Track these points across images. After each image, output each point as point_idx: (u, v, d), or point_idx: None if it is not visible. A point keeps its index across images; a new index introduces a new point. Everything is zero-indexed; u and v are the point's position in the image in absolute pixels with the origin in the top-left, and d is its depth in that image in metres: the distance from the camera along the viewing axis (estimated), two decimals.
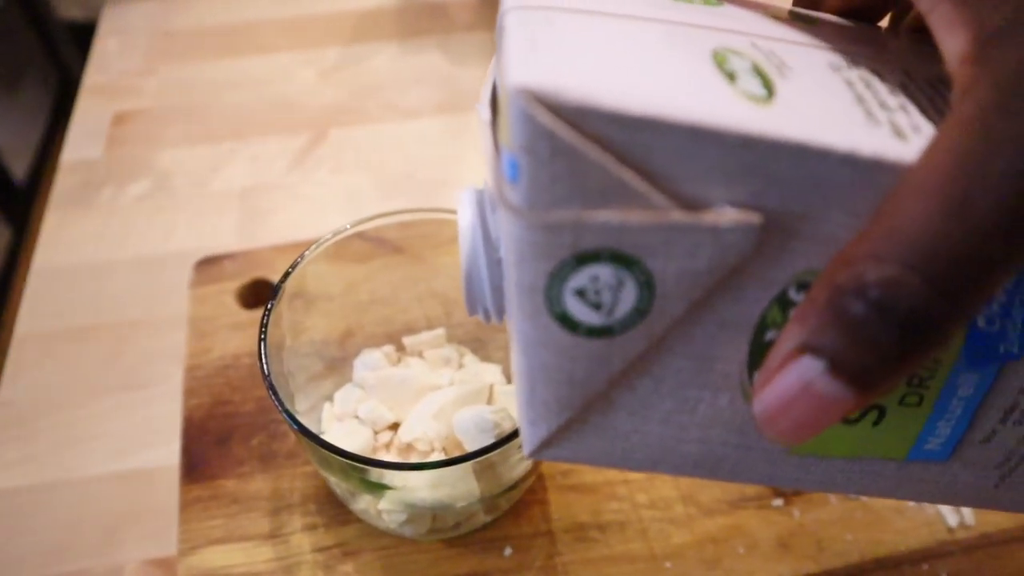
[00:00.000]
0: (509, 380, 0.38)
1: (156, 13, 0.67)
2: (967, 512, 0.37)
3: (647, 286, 0.17)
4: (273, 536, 0.37)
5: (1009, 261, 0.14)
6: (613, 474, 0.38)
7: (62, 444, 0.41)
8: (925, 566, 0.36)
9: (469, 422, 0.32)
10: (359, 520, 0.37)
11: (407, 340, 0.39)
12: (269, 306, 0.32)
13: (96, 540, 0.38)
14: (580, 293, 0.17)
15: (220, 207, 0.53)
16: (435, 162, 0.55)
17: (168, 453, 0.40)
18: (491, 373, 0.37)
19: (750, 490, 0.38)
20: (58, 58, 0.96)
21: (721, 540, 0.37)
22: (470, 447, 0.33)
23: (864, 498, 0.38)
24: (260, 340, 0.31)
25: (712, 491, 0.38)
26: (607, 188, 0.16)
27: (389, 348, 0.38)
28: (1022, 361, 0.19)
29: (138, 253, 0.50)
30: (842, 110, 0.16)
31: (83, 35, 0.67)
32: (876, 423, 0.20)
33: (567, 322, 0.17)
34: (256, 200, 0.53)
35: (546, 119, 0.15)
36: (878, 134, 0.16)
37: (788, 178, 0.16)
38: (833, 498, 0.38)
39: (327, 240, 0.36)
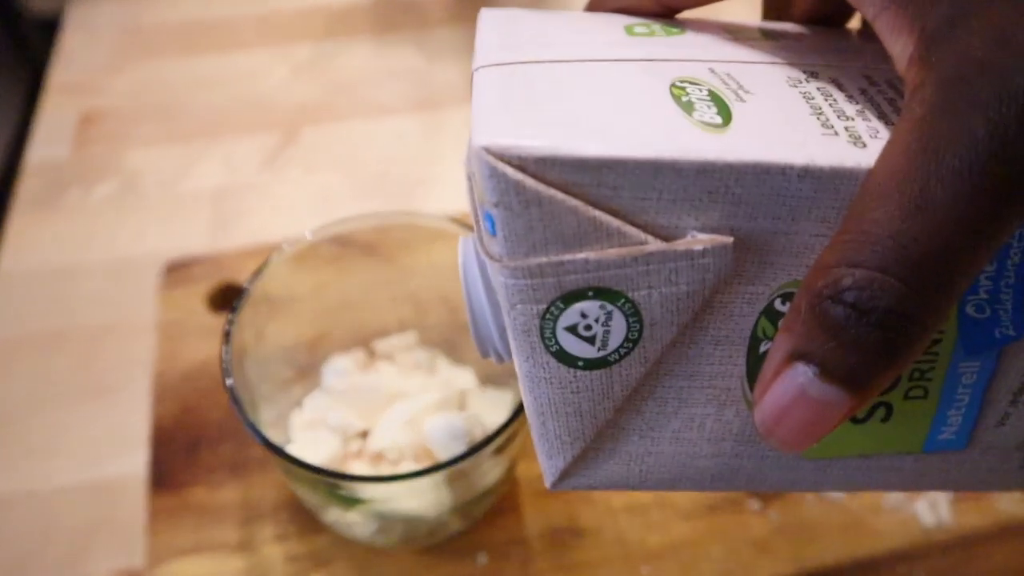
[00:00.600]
0: (482, 383, 0.38)
1: (123, 9, 0.66)
2: (944, 512, 0.37)
3: (635, 316, 0.18)
4: (243, 546, 0.36)
5: (975, 251, 0.15)
6: None
7: (28, 453, 0.40)
8: (902, 567, 0.36)
9: (440, 430, 0.32)
10: (331, 529, 0.36)
11: (378, 344, 0.38)
12: (232, 312, 0.32)
13: (63, 552, 0.37)
14: (572, 330, 0.18)
15: (190, 208, 0.52)
16: (411, 160, 0.55)
17: (137, 462, 0.40)
18: (463, 378, 0.37)
19: (727, 493, 0.38)
20: (28, 55, 0.94)
21: (698, 543, 0.36)
22: (441, 455, 0.32)
23: (842, 499, 0.37)
24: (223, 347, 0.31)
25: (688, 494, 0.38)
26: (581, 230, 0.17)
27: (359, 353, 0.38)
28: (1021, 343, 0.19)
29: (106, 256, 0.49)
30: (798, 125, 0.17)
31: (54, 31, 0.66)
32: (885, 419, 0.20)
33: (565, 358, 0.18)
34: (227, 201, 0.52)
35: (512, 173, 0.16)
36: (835, 144, 0.17)
37: (752, 198, 0.17)
38: (810, 499, 0.37)
39: (294, 245, 0.35)
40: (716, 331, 0.19)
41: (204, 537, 0.37)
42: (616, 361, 0.18)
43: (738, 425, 0.20)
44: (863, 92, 0.18)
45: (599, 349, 0.18)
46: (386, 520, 0.32)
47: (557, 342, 0.18)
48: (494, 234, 0.17)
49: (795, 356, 0.16)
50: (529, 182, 0.16)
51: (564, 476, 0.21)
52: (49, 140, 0.56)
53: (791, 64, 0.20)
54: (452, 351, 0.39)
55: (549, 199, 0.16)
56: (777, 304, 0.18)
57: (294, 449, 0.33)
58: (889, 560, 0.36)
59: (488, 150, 0.16)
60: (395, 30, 0.64)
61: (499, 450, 0.31)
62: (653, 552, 0.36)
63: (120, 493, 0.39)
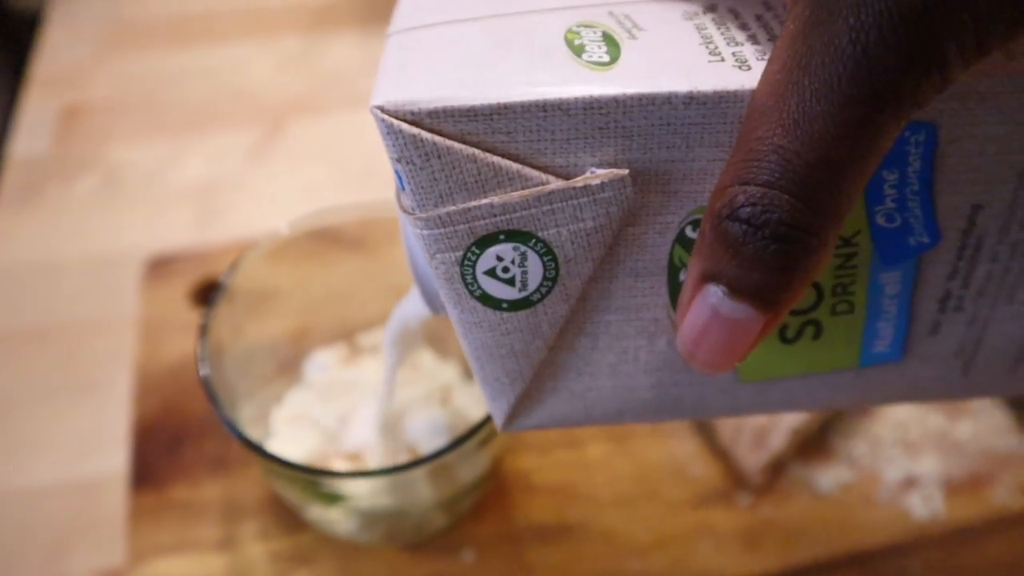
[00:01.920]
0: (467, 376, 0.37)
1: (106, 2, 0.65)
2: (938, 505, 0.36)
3: (548, 255, 0.18)
4: (225, 544, 0.36)
5: (856, 158, 0.15)
6: (575, 473, 0.37)
7: (7, 451, 0.40)
8: (896, 560, 0.35)
9: (422, 426, 0.31)
10: (314, 527, 0.36)
11: (361, 338, 0.38)
12: (209, 307, 0.31)
13: (42, 551, 0.36)
14: (491, 273, 0.19)
15: (174, 203, 0.51)
16: None
17: (118, 459, 0.39)
18: (448, 372, 0.36)
19: (716, 487, 0.37)
20: (10, 48, 0.93)
21: (687, 538, 0.36)
22: (424, 451, 0.32)
23: (834, 492, 0.37)
24: (198, 343, 0.30)
25: (677, 489, 0.37)
26: (483, 176, 0.17)
27: (342, 348, 0.37)
28: (937, 250, 0.20)
29: (88, 252, 0.48)
30: (686, 55, 0.18)
31: (37, 25, 0.65)
32: (816, 337, 0.21)
33: (489, 301, 0.19)
34: (212, 195, 0.51)
35: (408, 129, 0.17)
36: (719, 69, 0.17)
37: (643, 129, 0.17)
38: (801, 494, 0.37)
39: (272, 239, 0.35)
40: (633, 263, 0.19)
41: (185, 535, 0.36)
42: (539, 300, 0.19)
43: (672, 354, 0.21)
44: (758, 18, 0.19)
45: (520, 290, 0.19)
46: (368, 517, 0.32)
47: (479, 287, 0.19)
48: (403, 188, 0.18)
49: (705, 278, 0.16)
50: (425, 135, 0.17)
51: (512, 417, 0.22)
52: (31, 134, 0.55)
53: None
54: (437, 345, 0.39)
55: (447, 150, 0.17)
56: (688, 231, 0.19)
57: (275, 445, 0.33)
58: (882, 554, 0.35)
59: (383, 109, 0.17)
60: (381, 22, 0.63)
61: (482, 444, 0.30)
62: (641, 547, 0.35)
63: (101, 491, 0.38)
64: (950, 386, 0.23)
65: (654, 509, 0.37)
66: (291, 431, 0.34)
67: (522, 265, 0.18)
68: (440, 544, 0.35)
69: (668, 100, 0.17)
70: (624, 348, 0.21)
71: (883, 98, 0.15)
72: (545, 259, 0.18)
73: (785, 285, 0.16)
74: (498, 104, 0.17)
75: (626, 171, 0.17)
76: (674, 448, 0.38)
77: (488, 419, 0.29)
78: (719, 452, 0.38)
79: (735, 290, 0.16)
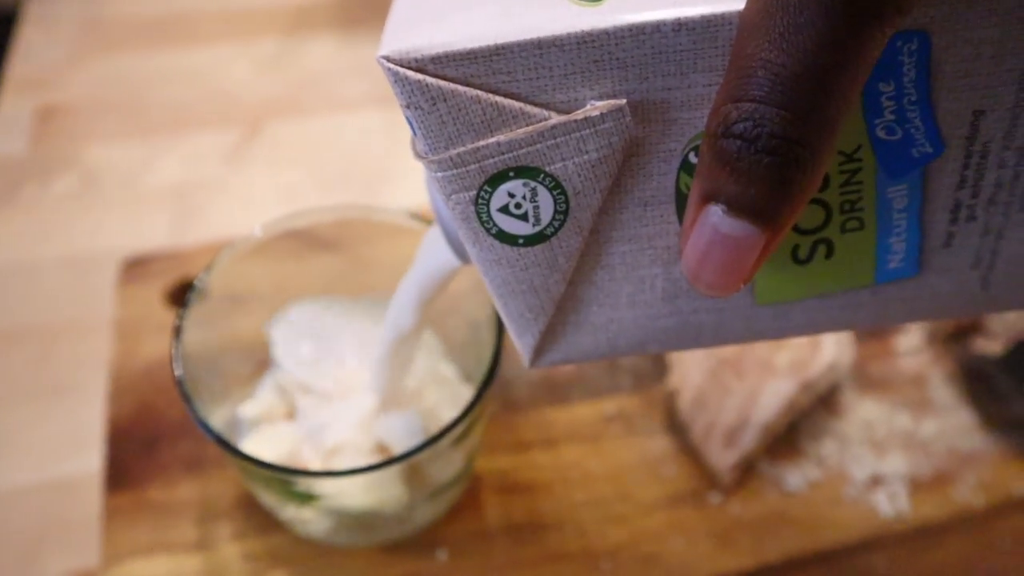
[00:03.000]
0: (443, 370, 0.37)
1: (83, 2, 0.65)
2: (903, 503, 0.37)
3: (558, 188, 0.19)
4: (201, 545, 0.36)
5: (844, 68, 0.15)
6: (549, 473, 0.38)
7: None
8: (862, 557, 0.36)
9: (397, 426, 0.32)
10: (290, 527, 0.36)
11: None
12: (184, 308, 0.31)
13: (14, 554, 0.36)
14: (504, 210, 0.19)
15: (151, 205, 0.51)
16: (375, 156, 0.54)
17: (91, 461, 0.39)
18: (425, 364, 0.36)
19: (688, 486, 0.38)
20: None
21: (659, 537, 0.36)
22: (398, 451, 0.32)
23: (803, 490, 0.37)
24: (172, 343, 0.30)
25: (650, 489, 0.38)
26: (488, 116, 0.18)
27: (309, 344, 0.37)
28: (942, 160, 0.20)
29: (64, 253, 0.48)
30: None
31: (12, 24, 0.64)
32: (828, 256, 0.21)
33: (505, 238, 0.20)
34: (189, 197, 0.51)
35: (413, 76, 0.18)
36: None
37: (636, 60, 0.18)
38: (771, 492, 0.38)
39: (250, 238, 0.35)
40: (641, 193, 0.20)
41: (160, 536, 0.36)
42: (553, 234, 0.20)
43: (688, 282, 0.21)
44: None
45: (534, 225, 0.20)
46: (343, 517, 0.32)
47: (495, 224, 0.20)
48: (415, 134, 0.19)
49: (705, 198, 0.17)
50: (430, 81, 0.18)
51: (538, 353, 0.22)
52: (6, 135, 0.54)
53: None
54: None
55: (452, 93, 0.18)
56: (691, 157, 0.19)
57: (249, 444, 0.33)
58: (849, 551, 0.36)
59: (388, 59, 0.18)
60: (360, 25, 0.64)
61: (456, 443, 0.30)
62: (614, 546, 0.36)
63: (74, 493, 0.38)
64: (970, 300, 0.23)
65: (627, 508, 0.37)
66: (266, 429, 0.34)
67: (533, 200, 0.19)
68: (415, 544, 0.36)
69: (657, 29, 0.17)
70: (641, 277, 0.21)
71: (862, 4, 0.15)
72: (555, 193, 0.19)
73: (782, 199, 0.16)
74: (495, 46, 0.18)
75: (623, 101, 0.18)
76: (647, 448, 0.39)
77: (461, 418, 0.29)
78: (691, 451, 0.38)
79: (734, 207, 0.16)
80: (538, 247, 0.20)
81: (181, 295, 0.44)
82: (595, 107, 0.18)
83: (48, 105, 0.56)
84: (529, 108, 0.18)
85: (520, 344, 0.22)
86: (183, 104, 0.57)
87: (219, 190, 0.52)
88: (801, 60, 0.15)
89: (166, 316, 0.43)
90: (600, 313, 0.22)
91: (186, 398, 0.29)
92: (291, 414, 0.35)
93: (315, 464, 0.33)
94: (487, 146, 0.18)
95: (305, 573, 0.35)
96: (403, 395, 0.34)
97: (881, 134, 0.19)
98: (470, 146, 0.18)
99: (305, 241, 0.37)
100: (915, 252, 0.21)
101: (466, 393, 0.35)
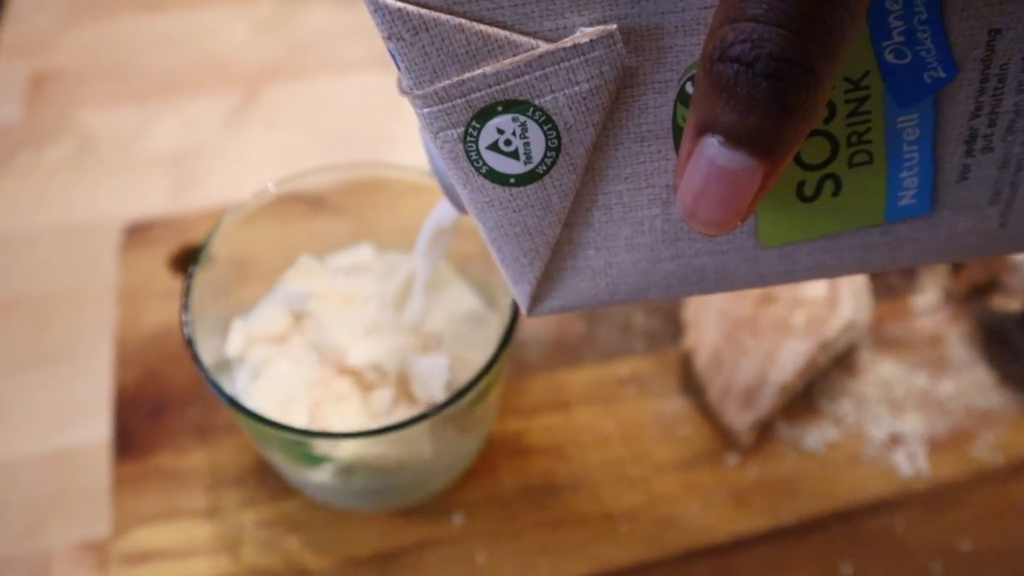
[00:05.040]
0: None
1: None
2: (922, 462, 0.37)
3: (548, 123, 0.18)
4: (212, 512, 0.35)
5: None
6: (563, 436, 0.37)
7: None
8: (881, 516, 0.36)
9: (424, 370, 0.31)
10: (302, 493, 0.35)
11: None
12: (190, 272, 0.30)
13: (21, 525, 0.36)
14: (494, 148, 0.19)
15: (149, 170, 0.50)
16: (376, 119, 0.53)
17: (97, 430, 0.38)
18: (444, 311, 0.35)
19: (704, 448, 0.37)
20: None
21: (675, 499, 0.36)
22: (420, 392, 0.31)
23: (821, 451, 0.37)
24: (183, 306, 0.29)
25: (665, 450, 0.37)
26: (472, 47, 0.17)
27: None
28: (956, 85, 0.19)
29: (61, 220, 0.47)
30: None
31: None
32: (835, 193, 0.20)
33: (496, 177, 0.19)
34: (187, 162, 0.50)
35: (392, 4, 0.17)
36: None
37: None
38: (788, 453, 0.37)
39: (254, 200, 0.34)
40: (637, 127, 0.19)
41: (171, 504, 0.36)
42: (545, 172, 0.19)
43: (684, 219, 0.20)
44: None
45: (525, 163, 0.19)
46: (360, 476, 0.31)
47: (484, 162, 0.19)
48: (399, 68, 0.18)
49: (701, 129, 0.16)
50: (411, 9, 0.17)
51: (536, 300, 0.21)
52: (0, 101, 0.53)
53: None
54: None
55: (434, 22, 0.17)
56: (688, 88, 0.18)
57: (263, 386, 0.32)
58: (867, 510, 0.36)
59: None
60: None
61: (479, 397, 0.30)
62: (630, 508, 0.36)
63: (81, 461, 0.38)
64: (989, 239, 0.21)
65: (642, 470, 0.37)
66: (279, 367, 0.32)
67: (523, 136, 0.18)
68: (430, 508, 0.35)
69: None
70: (639, 218, 0.20)
71: None
72: (545, 128, 0.18)
73: (782, 127, 0.15)
74: None
75: (614, 27, 0.17)
76: (662, 410, 0.38)
77: (493, 362, 0.28)
78: (707, 412, 0.38)
79: (730, 137, 0.15)
80: (531, 187, 0.19)
81: (184, 261, 0.43)
82: (584, 34, 0.17)
83: (41, 70, 0.55)
84: (516, 37, 0.17)
85: (517, 291, 0.21)
86: (179, 68, 0.56)
87: (218, 155, 0.51)
88: None
89: (169, 283, 0.42)
90: (598, 257, 0.21)
91: (197, 361, 0.28)
92: (285, 339, 0.34)
93: (342, 387, 0.32)
94: (473, 79, 0.18)
95: (320, 538, 0.34)
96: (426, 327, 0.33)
97: (890, 58, 0.18)
98: (455, 79, 0.18)
99: (309, 203, 0.36)
100: (928, 187, 0.20)
101: (489, 338, 0.34)
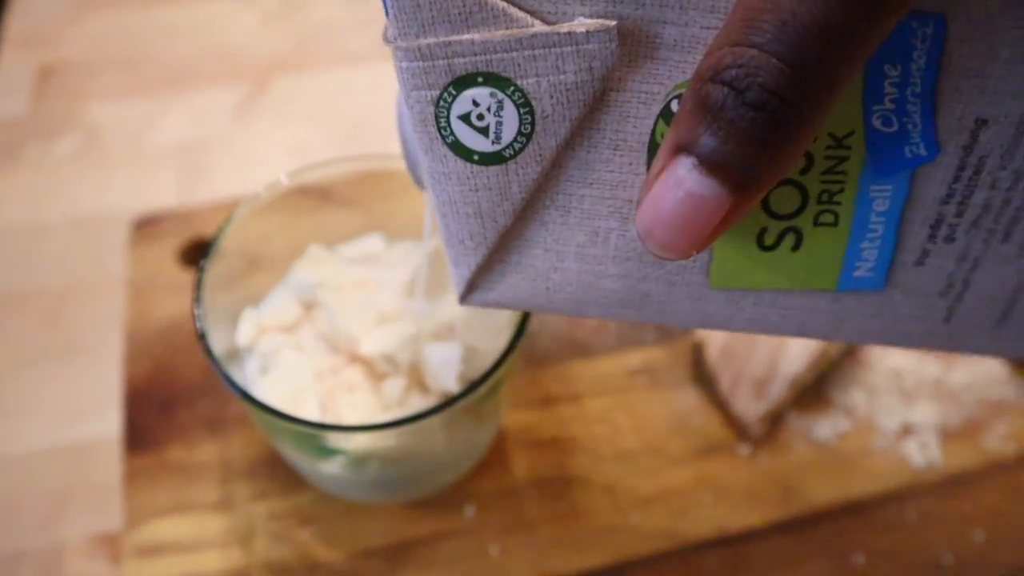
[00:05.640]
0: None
1: None
2: (934, 453, 0.37)
3: (526, 106, 0.18)
4: (225, 505, 0.35)
5: (853, 30, 0.14)
6: (575, 428, 0.37)
7: None
8: (892, 507, 0.36)
9: (436, 358, 0.31)
10: (313, 485, 0.35)
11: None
12: (202, 265, 0.30)
13: (34, 518, 0.36)
14: (466, 119, 0.18)
15: (157, 163, 0.50)
16: (384, 110, 0.53)
17: (108, 423, 0.38)
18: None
19: (716, 439, 0.37)
20: None
21: (688, 490, 0.36)
22: (433, 382, 0.31)
23: (832, 442, 0.37)
24: (195, 300, 0.29)
25: (677, 442, 0.37)
26: (467, 10, 0.17)
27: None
28: (934, 166, 0.18)
29: (69, 214, 0.47)
30: None
31: None
32: (795, 248, 0.20)
33: (460, 150, 0.18)
34: (196, 155, 0.50)
35: None
36: None
37: None
38: (800, 444, 0.37)
39: (266, 193, 0.34)
40: (614, 134, 0.18)
41: (183, 496, 0.36)
42: (512, 157, 0.18)
43: (640, 235, 0.19)
44: None
45: (493, 142, 0.18)
46: (374, 467, 0.31)
47: (452, 132, 0.18)
48: (388, 14, 0.17)
49: (678, 148, 0.15)
50: None
51: (471, 288, 0.21)
52: (6, 94, 0.53)
53: None
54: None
55: None
56: (674, 106, 0.18)
57: (273, 378, 0.32)
58: (879, 501, 0.36)
59: None
60: None
61: (492, 390, 0.30)
62: (642, 500, 0.36)
63: (93, 455, 0.38)
64: (930, 332, 0.21)
65: (654, 462, 0.37)
66: (288, 359, 0.32)
67: (498, 114, 0.18)
68: (442, 500, 0.35)
69: None
70: (595, 228, 0.20)
71: None
72: (522, 111, 0.18)
73: (758, 162, 0.15)
74: None
75: (613, 23, 0.17)
76: (673, 401, 0.38)
77: (504, 355, 0.28)
78: (718, 404, 0.38)
79: (705, 162, 0.15)
80: (493, 168, 0.19)
81: (193, 254, 0.43)
82: (582, 23, 0.17)
83: (48, 63, 0.55)
84: (512, 10, 0.17)
85: (455, 274, 0.21)
86: (187, 60, 0.55)
87: (227, 147, 0.51)
88: (813, 10, 0.14)
89: (179, 276, 0.42)
90: (545, 259, 0.20)
91: (211, 356, 0.28)
92: (297, 328, 0.34)
93: (353, 375, 0.32)
94: (460, 42, 0.17)
95: (332, 531, 0.34)
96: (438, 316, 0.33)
97: (877, 123, 0.18)
98: (442, 38, 0.17)
99: (320, 196, 0.36)
100: (886, 263, 0.20)
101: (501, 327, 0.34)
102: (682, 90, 0.18)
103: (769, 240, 0.20)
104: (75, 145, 0.50)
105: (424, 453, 0.30)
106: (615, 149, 0.19)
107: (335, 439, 0.28)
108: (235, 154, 0.50)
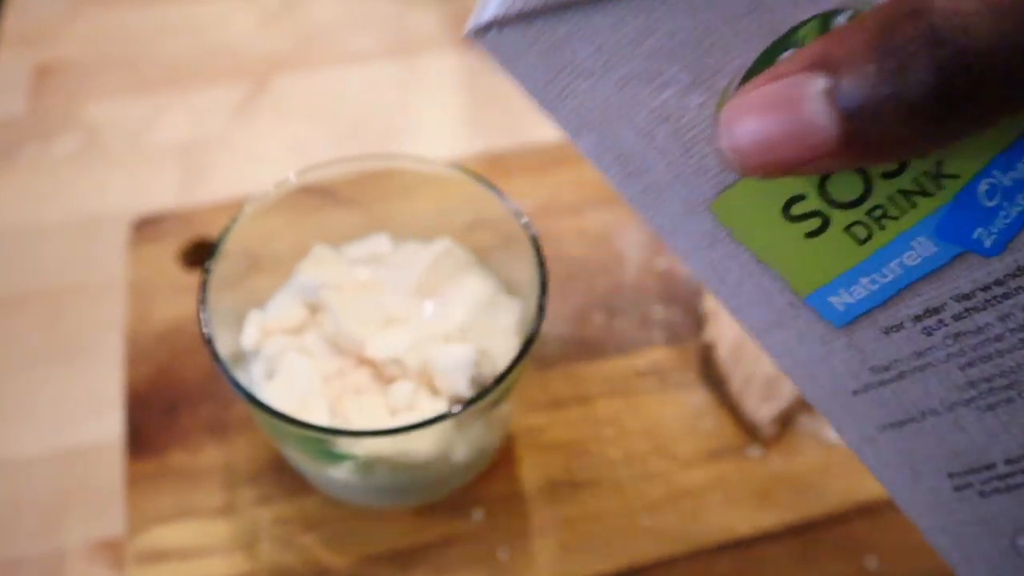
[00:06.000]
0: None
1: None
2: None
3: None
4: (228, 510, 0.35)
5: None
6: (584, 430, 0.37)
7: None
8: None
9: (448, 360, 0.30)
10: (319, 490, 0.35)
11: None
12: (207, 267, 0.30)
13: (35, 524, 0.35)
14: None
15: (157, 163, 0.49)
16: (386, 110, 0.52)
17: (110, 427, 0.38)
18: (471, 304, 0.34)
19: (726, 441, 0.37)
20: None
21: (698, 493, 0.35)
22: (443, 385, 0.31)
23: (842, 445, 0.36)
24: (200, 303, 0.29)
25: (687, 444, 0.37)
26: None
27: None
28: (980, 263, 0.17)
29: (68, 214, 0.46)
30: None
31: None
32: (810, 235, 0.18)
33: None
34: (196, 154, 0.50)
35: None
36: None
37: None
38: (811, 446, 0.37)
39: (269, 193, 0.33)
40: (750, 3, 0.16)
41: (186, 502, 0.35)
42: None
43: (690, 120, 0.17)
44: None
45: None
46: (382, 472, 0.31)
47: None
48: None
49: (820, 62, 0.13)
50: None
51: (486, 28, 0.17)
52: (3, 94, 0.52)
53: None
54: None
55: None
56: (840, 18, 0.15)
57: (277, 384, 0.31)
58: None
59: None
60: None
61: (505, 392, 0.29)
62: (653, 503, 0.35)
63: (93, 459, 0.37)
64: (834, 394, 0.19)
65: (664, 464, 0.36)
66: (292, 363, 0.32)
67: None
68: (450, 505, 0.35)
69: None
70: (658, 69, 0.17)
71: None
72: None
73: (890, 128, 0.13)
74: None
75: None
76: (683, 402, 0.38)
77: (517, 359, 0.28)
78: (729, 405, 0.37)
79: (844, 95, 0.13)
80: None
81: (195, 255, 0.43)
82: None
83: (46, 62, 0.54)
84: None
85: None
86: (187, 58, 0.55)
87: (227, 147, 0.50)
88: None
89: (180, 277, 0.42)
90: (588, 60, 0.17)
91: (218, 359, 0.27)
92: (303, 329, 0.33)
93: (360, 378, 0.31)
94: None
95: (338, 536, 0.34)
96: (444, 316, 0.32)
97: (982, 187, 0.16)
98: None
99: (323, 196, 0.36)
100: (861, 310, 0.18)
101: (511, 326, 0.34)
102: (861, 5, 0.15)
103: (796, 211, 0.18)
104: (74, 145, 0.50)
105: (433, 458, 0.30)
106: (737, 16, 0.16)
107: (344, 444, 0.28)
108: (235, 154, 0.50)
